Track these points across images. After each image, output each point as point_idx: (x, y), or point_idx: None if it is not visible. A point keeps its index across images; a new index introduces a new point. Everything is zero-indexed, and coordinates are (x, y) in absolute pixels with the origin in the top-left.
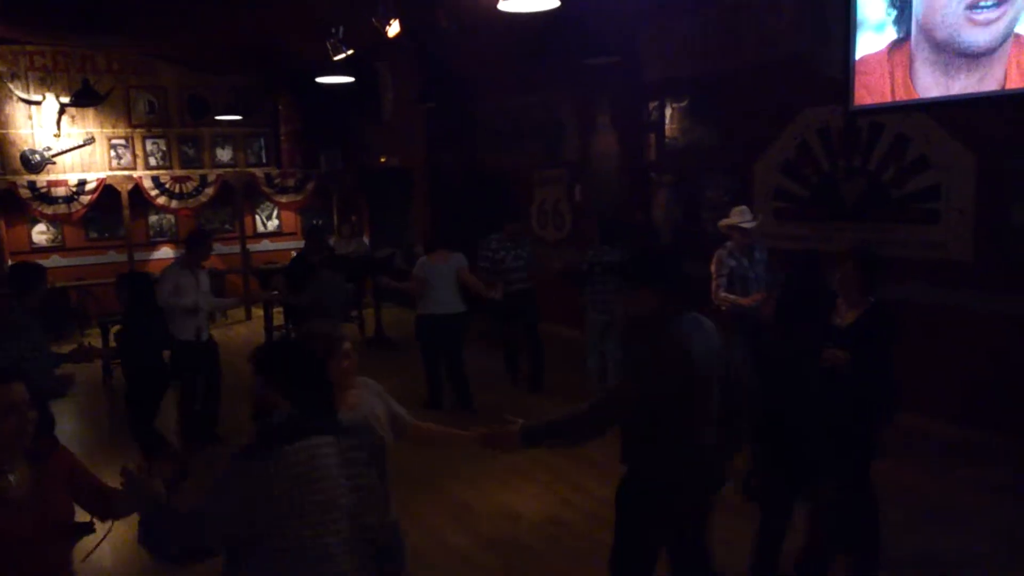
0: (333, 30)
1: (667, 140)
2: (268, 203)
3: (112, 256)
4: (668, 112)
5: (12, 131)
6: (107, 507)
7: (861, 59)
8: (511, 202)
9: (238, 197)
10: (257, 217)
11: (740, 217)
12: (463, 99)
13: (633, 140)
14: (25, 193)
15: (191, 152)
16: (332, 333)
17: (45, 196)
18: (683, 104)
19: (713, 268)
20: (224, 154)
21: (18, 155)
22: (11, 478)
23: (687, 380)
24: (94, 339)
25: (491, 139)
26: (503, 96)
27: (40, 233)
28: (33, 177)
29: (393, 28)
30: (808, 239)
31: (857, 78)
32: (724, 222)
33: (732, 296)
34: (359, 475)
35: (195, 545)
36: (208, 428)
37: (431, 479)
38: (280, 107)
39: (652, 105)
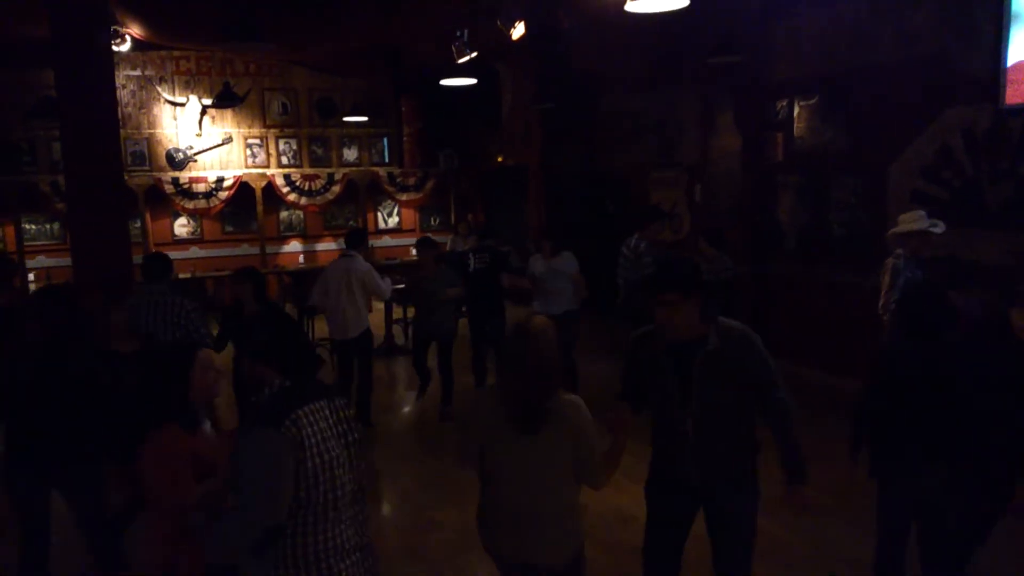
0: (459, 33)
1: (795, 140)
2: (389, 201)
3: (246, 248)
4: (796, 111)
5: (159, 131)
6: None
7: (1016, 65)
8: (632, 202)
9: (362, 195)
10: (379, 214)
11: (919, 223)
12: (581, 99)
13: (758, 140)
14: (169, 189)
15: (320, 151)
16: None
17: (187, 192)
18: (813, 102)
19: (886, 278)
20: (350, 153)
21: (163, 153)
22: (207, 426)
23: None
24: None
25: (608, 139)
26: (621, 96)
27: (181, 226)
28: (176, 174)
29: (518, 30)
30: (948, 247)
31: (1012, 79)
32: (901, 229)
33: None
34: (349, 431)
35: (240, 541)
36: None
37: None
38: (403, 108)
39: (780, 104)
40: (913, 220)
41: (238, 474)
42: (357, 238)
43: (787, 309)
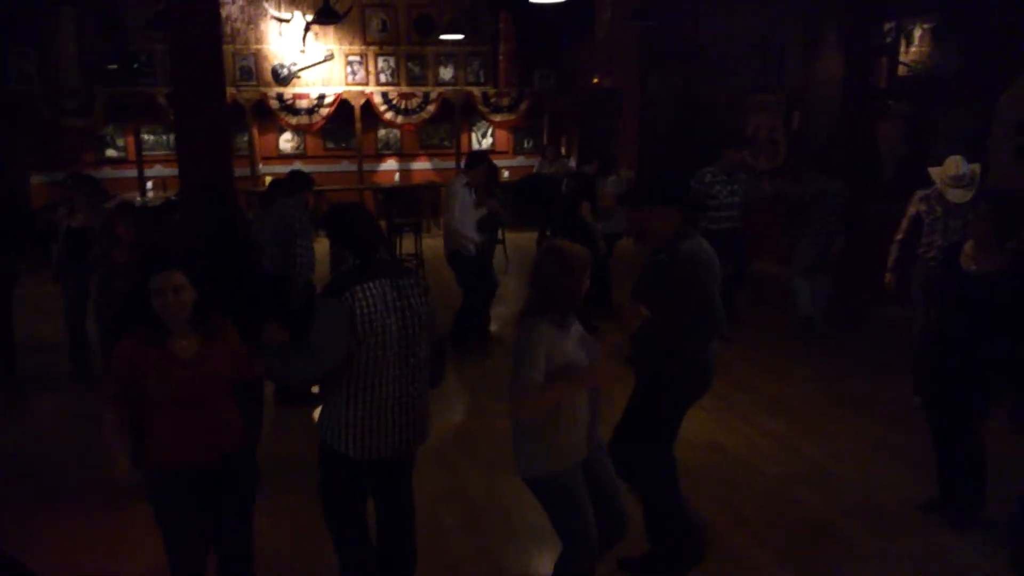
0: None
1: (901, 65)
2: (484, 121)
3: (345, 165)
4: (906, 33)
5: (265, 46)
6: (251, 369)
7: None
8: (727, 127)
9: (457, 115)
10: (473, 135)
11: (950, 169)
12: (681, 18)
13: (862, 64)
14: (274, 104)
15: (416, 70)
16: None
17: (290, 107)
18: (924, 25)
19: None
20: (446, 72)
21: (269, 69)
22: (183, 342)
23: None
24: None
25: (707, 61)
26: (722, 15)
27: (286, 141)
28: (281, 89)
29: None
30: None
31: None
32: (939, 176)
33: (890, 262)
34: (409, 307)
35: (308, 374)
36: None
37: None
38: (501, 25)
39: (887, 26)
40: (949, 165)
41: (312, 328)
42: (469, 160)
43: (880, 244)
